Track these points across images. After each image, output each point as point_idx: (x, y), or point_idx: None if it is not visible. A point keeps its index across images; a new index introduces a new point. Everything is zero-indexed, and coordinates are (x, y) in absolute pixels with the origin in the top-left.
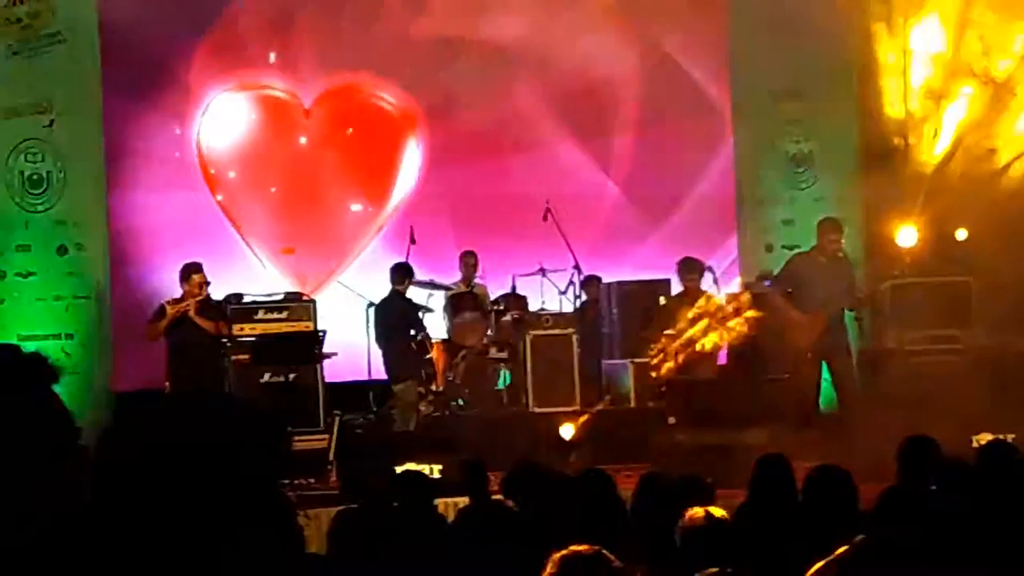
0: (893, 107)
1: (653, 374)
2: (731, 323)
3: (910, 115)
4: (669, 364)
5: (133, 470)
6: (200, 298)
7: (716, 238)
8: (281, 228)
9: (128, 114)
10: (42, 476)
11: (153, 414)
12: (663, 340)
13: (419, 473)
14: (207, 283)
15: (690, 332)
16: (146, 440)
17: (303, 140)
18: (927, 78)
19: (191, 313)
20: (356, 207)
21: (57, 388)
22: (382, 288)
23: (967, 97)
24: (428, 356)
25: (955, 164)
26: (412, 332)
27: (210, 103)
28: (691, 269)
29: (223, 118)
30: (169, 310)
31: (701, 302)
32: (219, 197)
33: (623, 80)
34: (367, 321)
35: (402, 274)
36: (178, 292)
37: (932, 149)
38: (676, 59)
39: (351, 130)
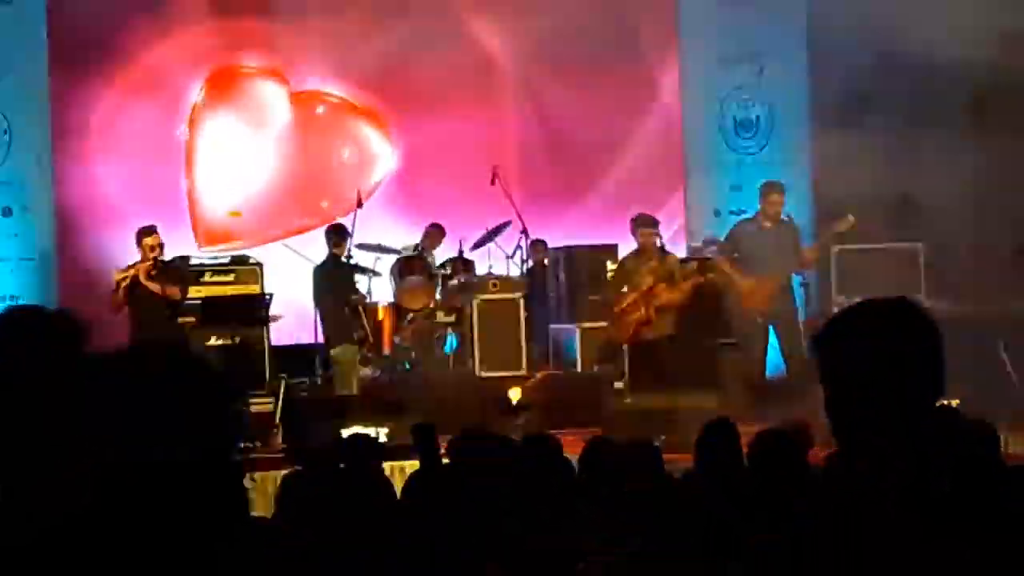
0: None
1: (618, 331)
2: (680, 286)
3: None
4: (637, 315)
5: (94, 431)
6: (150, 262)
7: (662, 203)
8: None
9: (74, 75)
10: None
11: (112, 374)
12: (627, 297)
13: (366, 436)
14: (161, 245)
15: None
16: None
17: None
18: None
19: (141, 278)
20: (324, 203)
21: None
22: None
23: None
24: (361, 319)
25: None
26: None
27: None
28: (647, 224)
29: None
30: (116, 277)
31: (654, 262)
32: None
33: (566, 38)
34: (313, 284)
35: (337, 236)
36: (130, 259)
37: None
38: (623, 18)
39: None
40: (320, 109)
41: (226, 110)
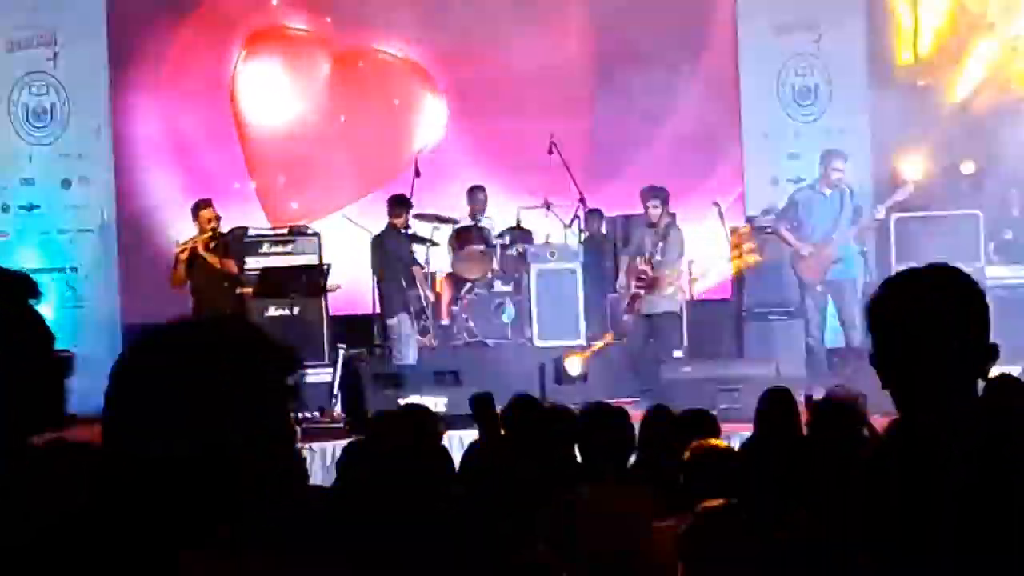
0: (906, 42)
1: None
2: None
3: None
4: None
5: (147, 399)
6: (206, 235)
7: (721, 172)
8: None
9: (132, 46)
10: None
11: (166, 343)
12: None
13: (424, 407)
14: (217, 218)
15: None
16: (161, 368)
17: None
18: (938, 24)
19: (200, 250)
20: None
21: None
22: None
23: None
24: (419, 290)
25: (978, 99)
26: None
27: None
28: (649, 195)
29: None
30: (177, 250)
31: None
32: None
33: (625, 15)
34: (371, 254)
35: (397, 206)
36: (188, 231)
37: (951, 87)
38: None
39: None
40: (366, 65)
41: (267, 72)
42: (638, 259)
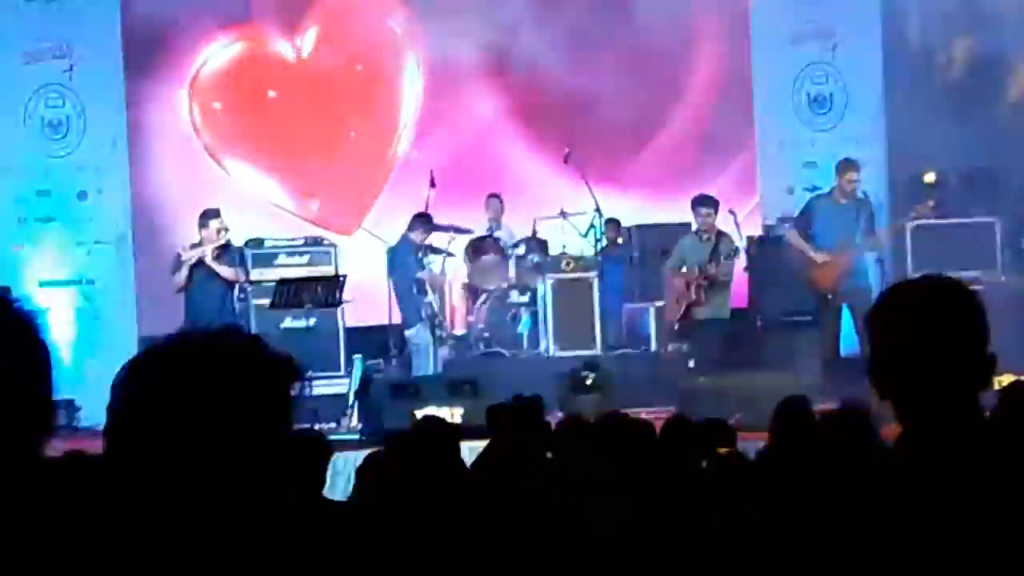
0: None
1: (667, 312)
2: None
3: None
4: (686, 295)
5: (148, 414)
6: (218, 244)
7: (737, 180)
8: (297, 172)
9: (148, 58)
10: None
11: (166, 357)
12: (673, 277)
13: (443, 421)
14: (226, 229)
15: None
16: (162, 384)
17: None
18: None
19: (208, 259)
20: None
21: (81, 332)
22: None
23: None
24: (428, 299)
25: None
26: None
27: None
28: (702, 203)
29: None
30: (184, 256)
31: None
32: (227, 159)
33: (640, 17)
34: (388, 265)
35: (418, 223)
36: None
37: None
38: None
39: (357, 66)
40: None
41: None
42: (694, 269)
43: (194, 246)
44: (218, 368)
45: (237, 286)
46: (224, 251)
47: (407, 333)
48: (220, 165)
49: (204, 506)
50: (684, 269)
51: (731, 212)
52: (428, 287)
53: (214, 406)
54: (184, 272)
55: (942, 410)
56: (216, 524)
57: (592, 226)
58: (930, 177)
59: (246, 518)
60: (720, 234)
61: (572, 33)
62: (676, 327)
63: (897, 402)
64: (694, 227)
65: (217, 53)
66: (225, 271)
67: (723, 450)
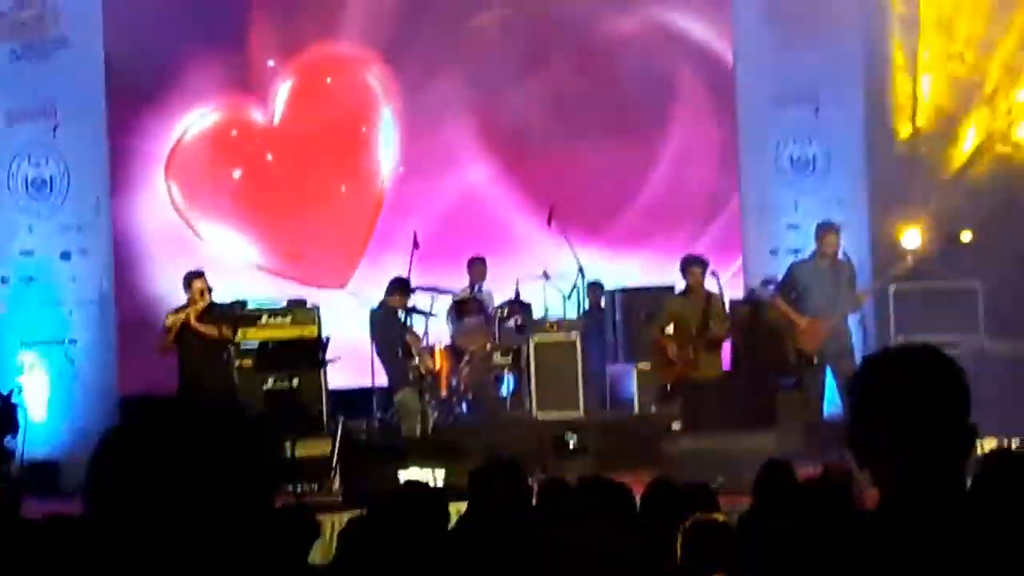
0: (904, 114)
1: (660, 376)
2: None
3: (923, 124)
4: (682, 356)
5: (129, 477)
6: (201, 305)
7: (720, 242)
8: (280, 235)
9: (132, 118)
10: None
11: (148, 421)
12: (665, 339)
13: (424, 484)
14: (209, 289)
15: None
16: (141, 447)
17: (268, 156)
18: (937, 97)
19: (192, 321)
20: (343, 187)
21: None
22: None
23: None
24: (414, 361)
25: (974, 168)
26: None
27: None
28: (695, 263)
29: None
30: (168, 321)
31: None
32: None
33: (621, 80)
34: (371, 327)
35: (396, 289)
36: (182, 297)
37: (949, 157)
38: (677, 60)
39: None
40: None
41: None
42: (688, 330)
43: (179, 309)
44: (199, 436)
45: (224, 346)
46: (208, 312)
47: (396, 397)
48: (198, 235)
49: (185, 569)
50: (671, 330)
51: (713, 274)
52: (413, 349)
53: (195, 474)
54: (170, 337)
55: (922, 479)
56: None
57: (575, 287)
58: (967, 236)
59: None
60: (710, 295)
61: (556, 93)
62: (668, 389)
63: (877, 471)
64: (680, 287)
65: (196, 123)
66: (211, 331)
67: (704, 514)
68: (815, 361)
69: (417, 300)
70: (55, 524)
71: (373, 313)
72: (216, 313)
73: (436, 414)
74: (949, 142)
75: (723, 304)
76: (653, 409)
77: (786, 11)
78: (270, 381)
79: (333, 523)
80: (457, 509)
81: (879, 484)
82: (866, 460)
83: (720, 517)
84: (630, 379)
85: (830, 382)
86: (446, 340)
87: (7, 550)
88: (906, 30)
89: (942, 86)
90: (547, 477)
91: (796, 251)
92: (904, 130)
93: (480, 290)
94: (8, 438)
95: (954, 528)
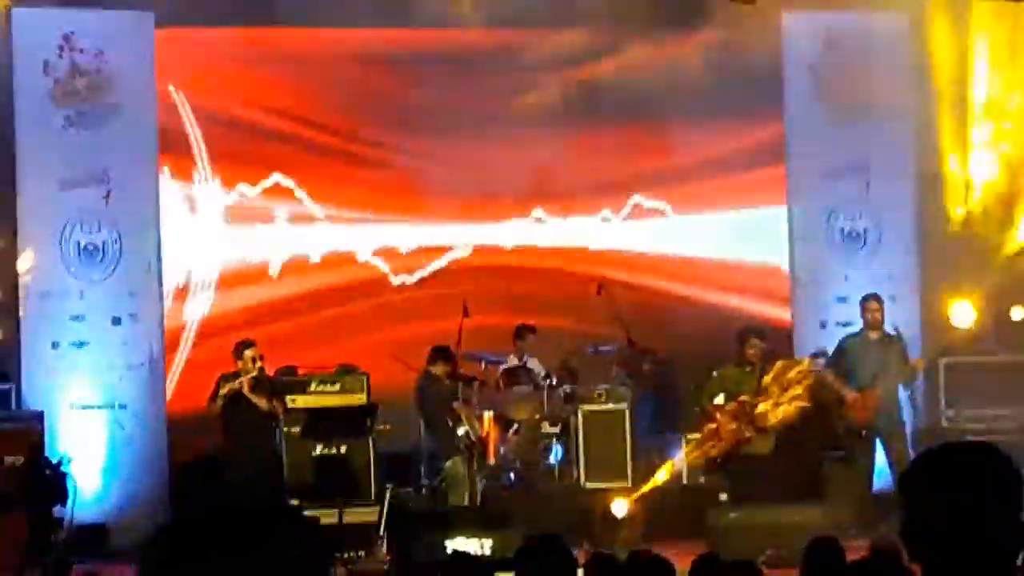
0: (956, 194)
1: (707, 448)
2: (792, 391)
3: (976, 206)
4: (734, 428)
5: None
6: (253, 375)
7: (770, 314)
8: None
9: (183, 183)
10: None
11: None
12: (716, 412)
13: (471, 555)
14: (260, 358)
15: (761, 406)
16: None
17: None
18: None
19: (245, 390)
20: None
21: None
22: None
23: None
24: (461, 430)
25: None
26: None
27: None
28: (754, 334)
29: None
30: (223, 389)
31: (768, 376)
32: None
33: (676, 150)
34: (417, 393)
35: (437, 358)
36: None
37: (1004, 239)
38: (730, 131)
39: None
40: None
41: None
42: (742, 403)
43: (230, 375)
44: (251, 548)
45: (275, 417)
46: (259, 381)
47: (446, 465)
48: None
49: None
50: (721, 401)
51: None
52: (463, 416)
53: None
54: (220, 401)
55: None
56: None
57: (625, 358)
58: (1018, 314)
59: None
60: (764, 367)
61: (597, 163)
62: (718, 462)
63: (929, 566)
64: (734, 360)
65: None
66: (262, 403)
67: None
68: (863, 434)
69: (465, 367)
70: None
71: (419, 380)
72: (266, 382)
73: (484, 483)
74: (1004, 224)
75: (785, 373)
76: (701, 480)
77: (837, 88)
78: (319, 448)
79: None
80: None
81: None
82: (919, 554)
83: None
84: (679, 449)
85: (880, 454)
86: (495, 409)
87: None
88: (956, 109)
89: (994, 166)
90: (594, 550)
91: (846, 324)
92: (956, 210)
93: (528, 358)
94: (57, 507)
95: None
